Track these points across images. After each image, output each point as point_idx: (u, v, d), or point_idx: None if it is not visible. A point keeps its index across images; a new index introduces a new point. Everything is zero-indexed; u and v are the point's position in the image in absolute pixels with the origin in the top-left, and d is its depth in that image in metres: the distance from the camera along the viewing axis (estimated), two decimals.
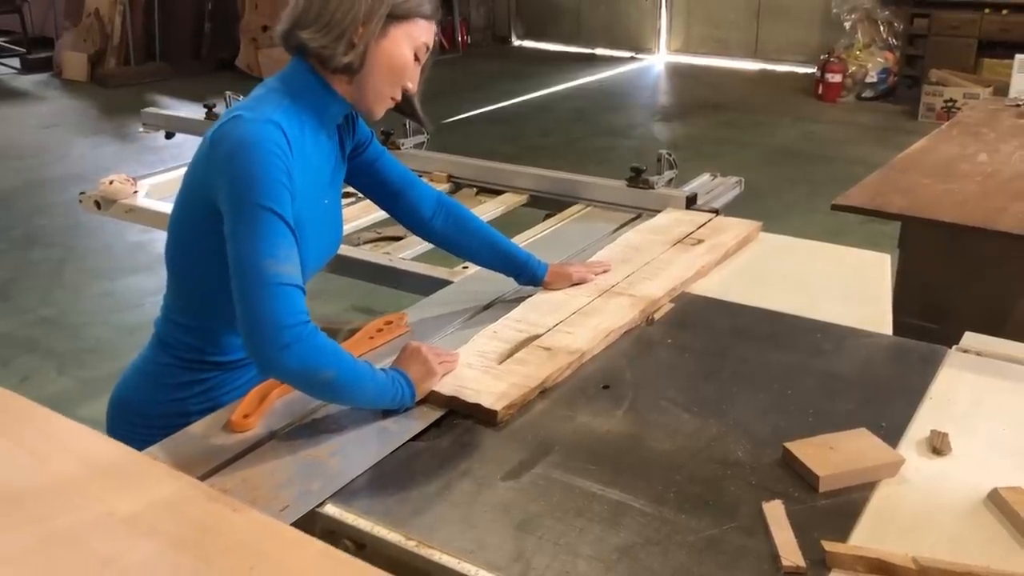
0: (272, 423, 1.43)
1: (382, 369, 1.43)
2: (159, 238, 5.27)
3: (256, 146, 1.32)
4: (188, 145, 4.94)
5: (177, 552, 1.09)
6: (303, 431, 1.41)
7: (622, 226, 2.34)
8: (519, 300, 1.81)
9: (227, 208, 1.33)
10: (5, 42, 10.57)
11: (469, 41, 11.07)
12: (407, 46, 1.45)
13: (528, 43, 11.34)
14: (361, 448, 1.36)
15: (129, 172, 2.83)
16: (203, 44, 9.80)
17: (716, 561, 1.11)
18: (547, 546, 1.14)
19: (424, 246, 2.21)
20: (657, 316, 1.77)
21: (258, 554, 1.08)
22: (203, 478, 1.28)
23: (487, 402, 1.42)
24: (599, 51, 10.68)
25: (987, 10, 7.32)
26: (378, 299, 3.98)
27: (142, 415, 1.55)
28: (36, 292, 4.44)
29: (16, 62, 10.23)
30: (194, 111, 3.68)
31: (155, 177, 2.88)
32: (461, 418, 1.44)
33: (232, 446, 1.37)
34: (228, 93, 3.30)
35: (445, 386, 1.46)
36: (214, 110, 3.31)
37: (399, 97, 1.50)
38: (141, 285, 4.46)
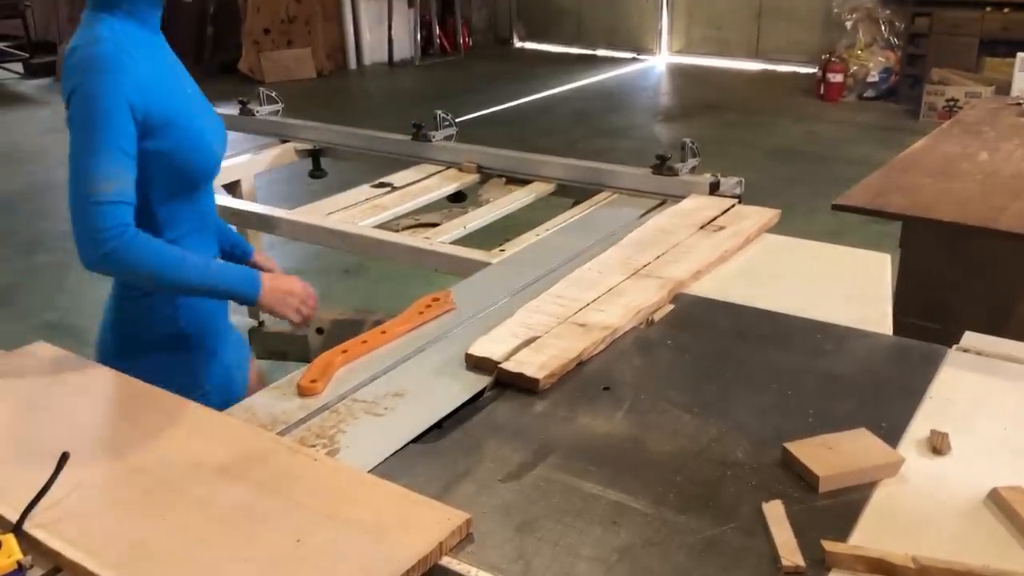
0: (338, 387, 1.54)
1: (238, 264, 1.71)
2: None
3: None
4: None
5: (267, 495, 1.19)
6: (368, 393, 1.52)
7: (648, 211, 2.40)
8: (555, 281, 1.91)
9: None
10: (8, 47, 10.59)
11: (471, 43, 11.08)
12: None
13: (529, 44, 11.36)
14: (425, 407, 1.48)
15: None
16: (205, 48, 9.82)
17: (716, 562, 1.11)
18: (547, 547, 1.14)
19: (460, 231, 2.32)
20: (657, 317, 1.77)
21: (341, 496, 1.18)
22: (279, 435, 1.39)
23: (529, 371, 1.53)
24: (600, 52, 10.69)
25: (988, 8, 7.32)
26: (379, 301, 3.98)
27: (133, 339, 1.78)
28: (40, 296, 4.45)
29: (19, 67, 10.26)
30: None
31: None
32: (464, 417, 1.46)
33: (302, 408, 1.48)
34: (261, 89, 3.40)
35: (495, 356, 1.57)
36: (248, 106, 3.36)
37: None
38: None
